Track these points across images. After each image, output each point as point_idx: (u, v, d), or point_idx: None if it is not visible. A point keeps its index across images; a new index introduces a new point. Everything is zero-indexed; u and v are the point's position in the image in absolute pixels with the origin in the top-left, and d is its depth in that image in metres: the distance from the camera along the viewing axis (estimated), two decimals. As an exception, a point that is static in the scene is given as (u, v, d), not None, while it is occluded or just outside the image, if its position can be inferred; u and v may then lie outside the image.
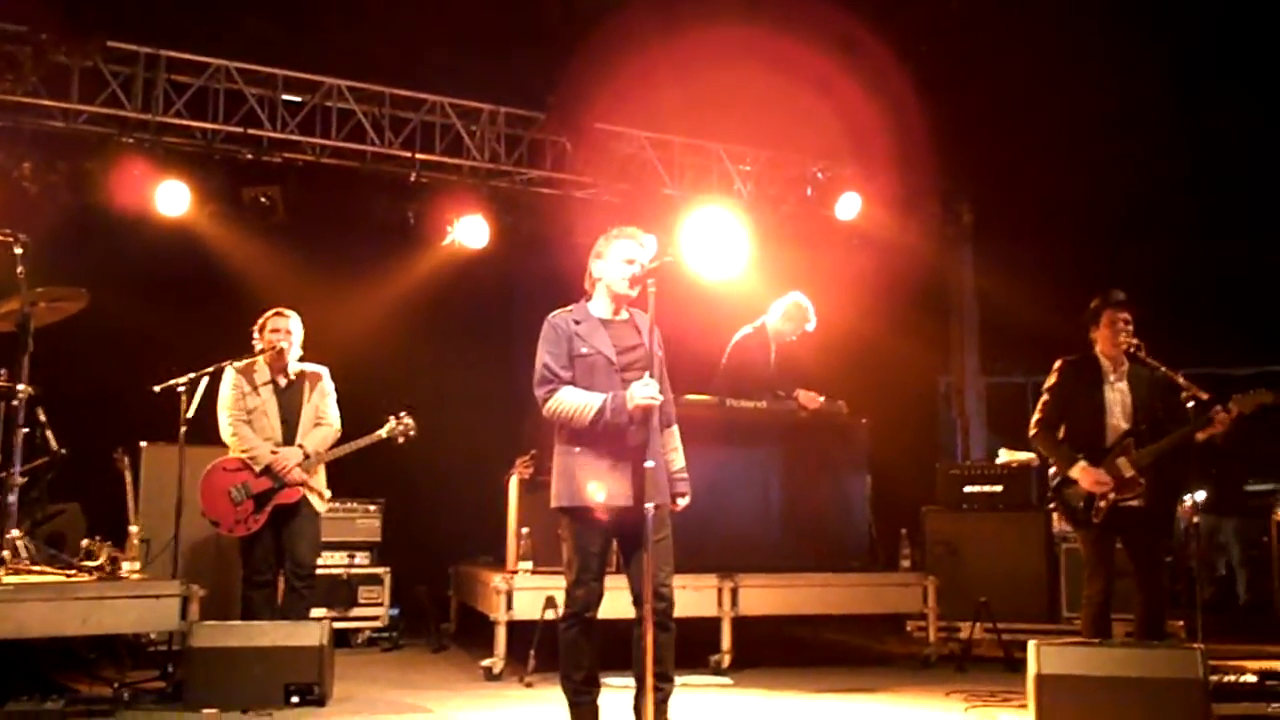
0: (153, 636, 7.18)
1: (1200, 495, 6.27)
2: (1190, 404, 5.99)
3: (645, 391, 4.73)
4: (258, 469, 6.49)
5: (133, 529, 6.86)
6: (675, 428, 5.19)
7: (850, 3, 9.27)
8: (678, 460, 5.15)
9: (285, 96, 9.13)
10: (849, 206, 10.51)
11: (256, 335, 6.75)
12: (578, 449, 4.88)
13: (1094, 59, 9.76)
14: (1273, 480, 10.20)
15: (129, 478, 7.21)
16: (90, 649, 6.83)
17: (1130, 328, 6.19)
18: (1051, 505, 6.42)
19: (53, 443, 6.79)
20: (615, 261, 5.00)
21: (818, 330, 8.75)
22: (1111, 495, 6.02)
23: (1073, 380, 6.31)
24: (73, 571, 6.33)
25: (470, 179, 9.83)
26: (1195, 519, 6.44)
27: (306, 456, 6.57)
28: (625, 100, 9.67)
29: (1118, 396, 6.23)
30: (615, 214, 9.25)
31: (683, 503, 5.12)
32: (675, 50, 8.99)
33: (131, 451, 7.41)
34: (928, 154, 10.65)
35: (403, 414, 6.81)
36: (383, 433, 6.78)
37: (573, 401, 4.85)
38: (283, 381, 6.71)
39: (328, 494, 6.78)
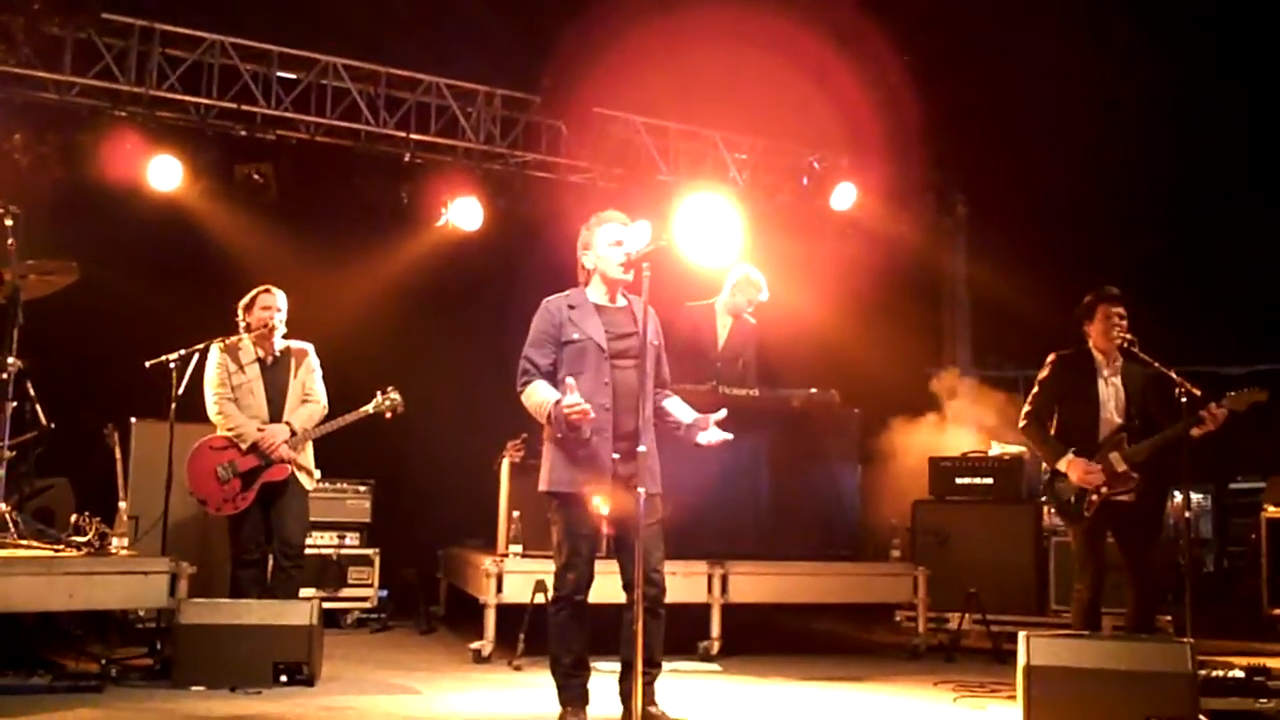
0: (141, 613, 7.17)
1: (1192, 493, 6.26)
2: (1183, 400, 5.98)
3: (568, 409, 4.70)
4: (244, 446, 6.45)
5: (122, 505, 6.80)
6: (678, 397, 5.22)
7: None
8: (689, 413, 5.12)
9: (280, 73, 9.06)
10: (844, 197, 10.51)
11: (241, 313, 6.70)
12: (560, 434, 4.88)
13: (1089, 51, 9.75)
14: (1260, 478, 10.22)
15: (119, 453, 7.14)
16: (78, 625, 6.81)
17: (1124, 323, 6.19)
18: (1043, 499, 6.41)
19: (42, 417, 6.74)
20: (603, 247, 5.03)
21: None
22: (1104, 490, 6.02)
23: (1065, 374, 6.32)
24: (61, 547, 6.28)
25: (465, 161, 9.79)
26: (1186, 515, 6.43)
27: (293, 433, 6.55)
28: (622, 85, 9.63)
29: (1111, 391, 6.23)
30: (610, 199, 9.18)
31: (716, 416, 5.04)
32: (672, 36, 8.96)
33: (121, 427, 7.35)
34: (922, 146, 10.66)
35: (389, 389, 6.77)
36: (369, 408, 6.73)
37: (536, 398, 4.91)
38: (269, 359, 6.67)
39: (317, 473, 6.75)
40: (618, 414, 4.87)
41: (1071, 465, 6.11)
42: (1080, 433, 6.21)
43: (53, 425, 6.81)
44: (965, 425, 9.99)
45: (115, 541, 6.36)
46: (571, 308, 5.01)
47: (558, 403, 4.77)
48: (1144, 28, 9.59)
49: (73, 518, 6.54)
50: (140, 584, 6.07)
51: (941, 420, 10.20)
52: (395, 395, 6.77)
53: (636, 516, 4.49)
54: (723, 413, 5.04)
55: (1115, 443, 6.10)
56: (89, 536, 6.30)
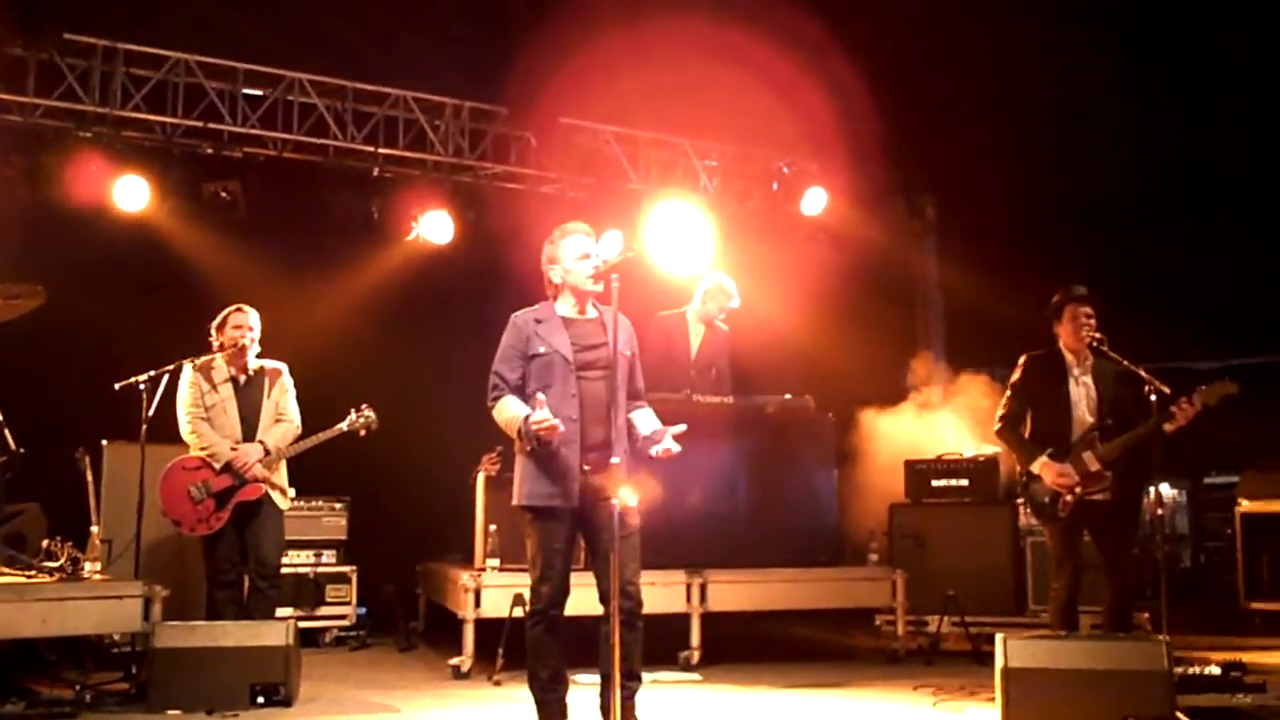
0: (115, 638, 7.09)
1: (1165, 488, 6.27)
2: (1153, 398, 6.01)
3: (536, 425, 4.68)
4: (218, 466, 6.42)
5: (94, 529, 6.76)
6: (650, 410, 5.16)
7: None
8: (650, 426, 5.05)
9: (246, 90, 8.99)
10: (814, 202, 10.52)
11: (214, 333, 6.68)
12: (531, 448, 4.86)
13: (1054, 54, 9.81)
14: (1235, 472, 10.29)
15: (90, 476, 7.10)
16: (52, 651, 6.75)
17: (1093, 321, 6.22)
18: (1020, 500, 6.42)
19: (11, 442, 6.69)
20: (570, 260, 5.01)
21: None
22: (1078, 489, 6.04)
23: (1036, 375, 6.34)
24: (33, 572, 6.24)
25: (434, 174, 9.76)
26: (1160, 511, 6.46)
27: (267, 453, 6.51)
28: (589, 94, 9.63)
29: (1082, 391, 6.25)
30: (580, 209, 9.22)
31: (675, 430, 4.95)
32: (640, 44, 8.96)
33: (93, 450, 7.30)
34: (891, 150, 10.68)
35: (364, 406, 6.76)
36: (343, 426, 6.72)
37: (507, 413, 4.89)
38: (242, 378, 6.64)
39: (291, 491, 6.72)
40: (585, 425, 4.85)
41: (1045, 468, 6.13)
42: (1054, 434, 6.23)
43: (22, 450, 6.75)
44: (941, 410, 9.98)
45: (88, 566, 6.32)
46: (538, 321, 5.00)
47: (527, 418, 4.76)
48: (1106, 30, 9.65)
49: (44, 543, 6.50)
50: (114, 608, 6.04)
51: (920, 408, 10.18)
52: (369, 413, 6.75)
53: (610, 528, 4.47)
54: (681, 427, 5.00)
55: (1088, 442, 6.12)
56: (61, 561, 6.27)
